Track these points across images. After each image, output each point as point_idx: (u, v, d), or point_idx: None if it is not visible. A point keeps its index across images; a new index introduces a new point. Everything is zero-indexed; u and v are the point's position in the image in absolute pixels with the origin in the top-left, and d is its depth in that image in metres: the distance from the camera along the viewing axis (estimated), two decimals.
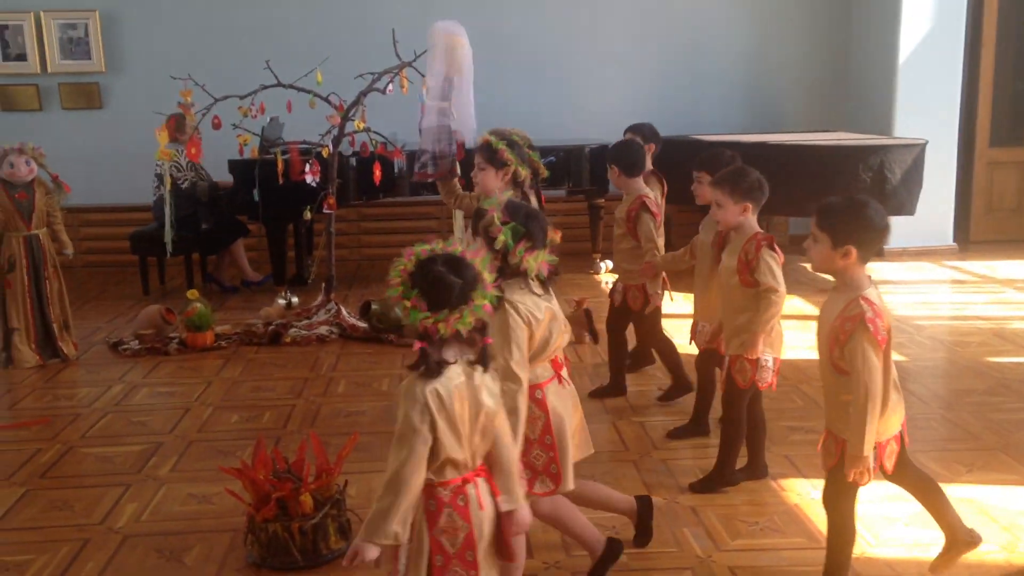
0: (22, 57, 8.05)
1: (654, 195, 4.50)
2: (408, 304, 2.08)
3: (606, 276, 7.68)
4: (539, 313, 2.62)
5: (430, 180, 3.97)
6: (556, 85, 8.50)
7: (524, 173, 3.72)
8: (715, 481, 3.62)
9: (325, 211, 6.05)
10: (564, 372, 2.83)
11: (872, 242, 2.62)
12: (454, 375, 2.11)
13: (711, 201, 3.53)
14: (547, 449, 2.73)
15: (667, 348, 4.65)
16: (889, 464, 2.69)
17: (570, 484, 2.77)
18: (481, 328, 2.14)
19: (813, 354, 3.01)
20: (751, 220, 3.48)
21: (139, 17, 8.08)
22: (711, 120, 8.57)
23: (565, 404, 2.79)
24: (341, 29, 8.03)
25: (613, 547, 3.00)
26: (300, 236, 7.57)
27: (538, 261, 2.61)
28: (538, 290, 2.65)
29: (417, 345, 2.09)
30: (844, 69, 8.70)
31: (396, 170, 6.85)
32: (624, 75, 8.59)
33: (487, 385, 2.17)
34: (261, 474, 3.19)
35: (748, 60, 8.73)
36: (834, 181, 6.51)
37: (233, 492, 3.25)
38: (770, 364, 3.47)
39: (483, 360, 2.17)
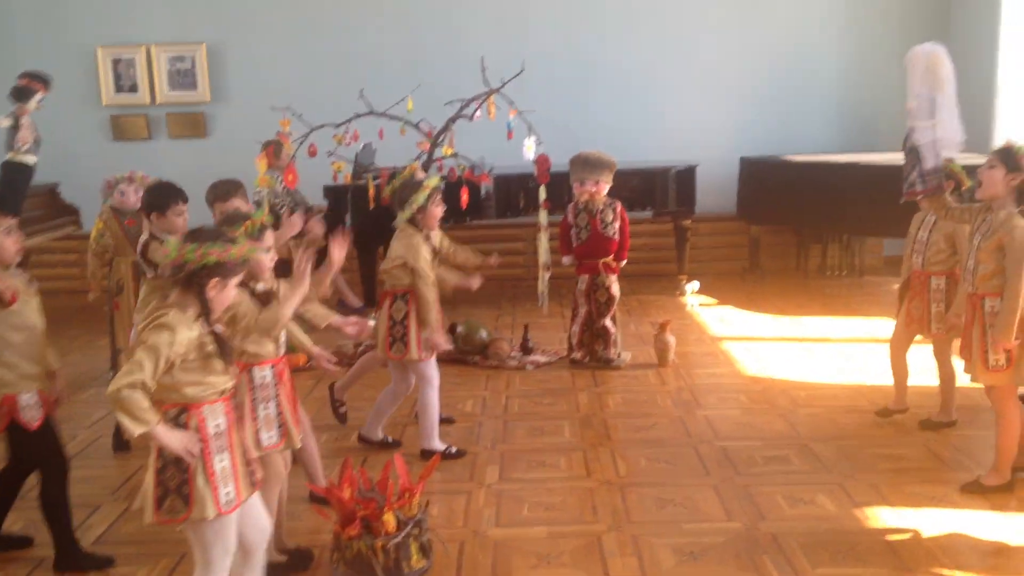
0: (134, 88, 8.52)
1: None
2: None
3: (691, 298, 7.62)
4: None
5: (919, 197, 3.97)
6: (643, 106, 8.51)
7: None
8: None
9: None
10: None
11: None
12: None
13: None
14: None
15: None
16: None
17: None
18: None
19: None
20: None
21: (242, 50, 8.46)
22: (801, 140, 8.44)
23: None
24: (432, 57, 8.23)
25: None
26: None
27: None
28: None
29: None
30: None
31: (483, 194, 6.98)
32: (712, 95, 8.55)
33: None
34: (347, 493, 3.31)
35: (842, 79, 8.59)
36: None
37: (320, 510, 3.37)
38: None
39: None
